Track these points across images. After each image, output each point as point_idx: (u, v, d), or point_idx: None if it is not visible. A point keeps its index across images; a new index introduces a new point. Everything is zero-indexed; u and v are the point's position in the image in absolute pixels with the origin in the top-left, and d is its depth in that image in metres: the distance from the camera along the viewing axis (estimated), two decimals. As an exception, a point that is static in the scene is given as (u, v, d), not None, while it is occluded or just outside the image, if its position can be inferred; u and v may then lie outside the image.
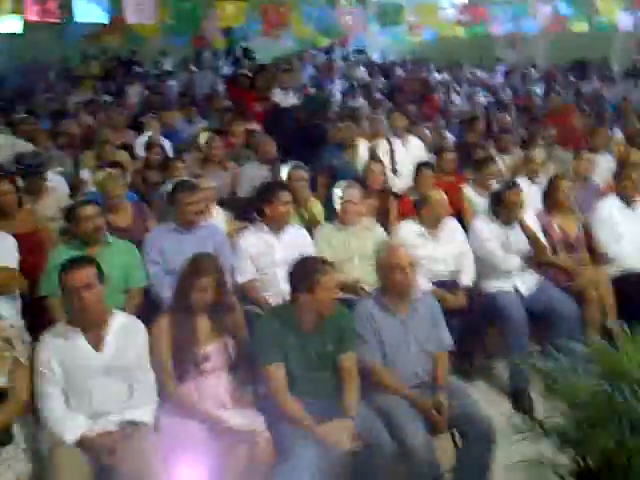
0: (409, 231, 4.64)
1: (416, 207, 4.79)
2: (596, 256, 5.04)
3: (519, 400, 4.24)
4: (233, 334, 3.36)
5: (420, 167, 5.66)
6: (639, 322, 2.48)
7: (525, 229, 4.56)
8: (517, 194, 4.60)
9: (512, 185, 4.76)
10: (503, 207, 4.62)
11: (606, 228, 4.99)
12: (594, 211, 5.12)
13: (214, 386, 3.24)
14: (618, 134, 7.86)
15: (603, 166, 6.32)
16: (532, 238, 4.56)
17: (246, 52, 18.17)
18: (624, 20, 10.59)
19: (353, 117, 7.68)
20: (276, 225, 4.38)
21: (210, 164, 6.16)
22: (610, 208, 5.06)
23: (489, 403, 4.12)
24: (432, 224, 4.66)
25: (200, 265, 3.31)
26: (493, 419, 3.29)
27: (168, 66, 14.81)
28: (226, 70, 15.15)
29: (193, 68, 14.00)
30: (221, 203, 5.30)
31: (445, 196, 4.76)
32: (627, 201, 5.07)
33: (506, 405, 4.28)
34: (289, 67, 10.13)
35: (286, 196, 4.40)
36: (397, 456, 3.07)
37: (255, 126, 7.92)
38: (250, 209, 5.29)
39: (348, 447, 3.02)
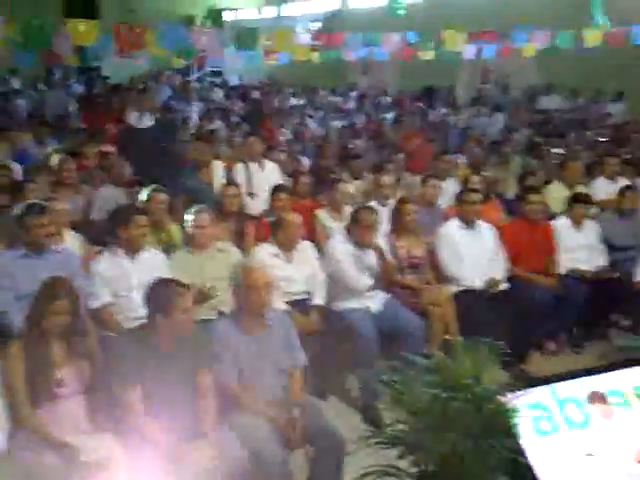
0: (265, 253, 4.70)
1: (272, 229, 4.87)
2: (439, 275, 5.35)
3: (369, 413, 4.39)
4: (88, 358, 3.31)
5: (276, 190, 5.76)
6: (476, 336, 2.67)
7: (377, 250, 4.74)
8: (371, 216, 4.77)
9: (366, 207, 4.97)
10: (358, 228, 4.78)
11: (448, 249, 5.29)
12: (438, 233, 5.41)
13: (69, 411, 3.19)
14: (462, 160, 8.40)
15: (448, 190, 6.72)
16: (383, 259, 4.75)
17: (99, 72, 17.74)
18: (468, 50, 11.29)
19: (209, 139, 7.68)
20: (131, 249, 4.34)
21: (63, 187, 5.97)
22: (452, 230, 5.37)
23: (341, 418, 4.26)
24: (287, 246, 4.75)
25: (54, 288, 3.26)
26: (344, 432, 3.41)
27: (16, 85, 14.17)
28: (78, 90, 14.72)
29: (42, 87, 13.47)
30: (74, 227, 5.14)
31: (300, 218, 4.86)
32: (468, 223, 5.39)
33: (357, 419, 4.42)
34: (144, 87, 10.00)
35: (142, 220, 4.38)
36: (254, 471, 3.13)
37: (110, 148, 7.74)
38: (104, 233, 5.19)
39: (206, 466, 3.03)
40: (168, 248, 4.90)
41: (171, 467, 3.00)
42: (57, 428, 3.11)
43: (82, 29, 7.83)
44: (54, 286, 3.28)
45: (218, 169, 6.55)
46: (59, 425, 3.12)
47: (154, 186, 5.33)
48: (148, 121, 9.06)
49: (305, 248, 4.86)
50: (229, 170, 6.71)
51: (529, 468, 2.40)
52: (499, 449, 2.29)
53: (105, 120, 9.17)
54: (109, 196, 5.99)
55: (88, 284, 4.23)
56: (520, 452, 2.39)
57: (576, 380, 2.71)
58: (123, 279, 4.25)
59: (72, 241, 4.83)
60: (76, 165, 6.32)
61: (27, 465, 3.02)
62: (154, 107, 9.38)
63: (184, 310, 3.21)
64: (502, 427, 2.36)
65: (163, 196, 5.19)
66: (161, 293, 3.25)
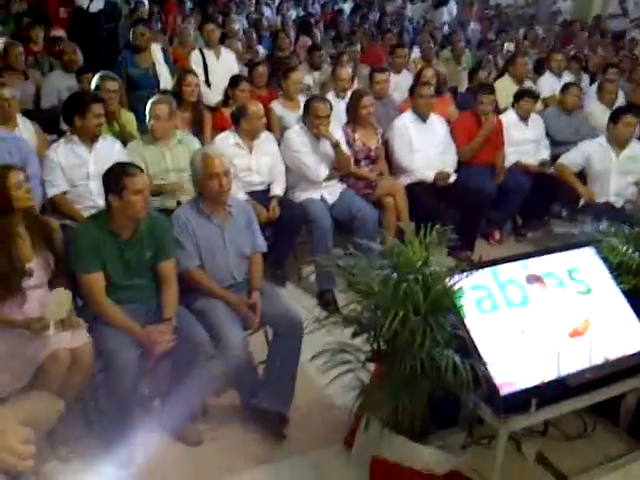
0: (226, 142, 4.71)
1: (234, 119, 4.82)
2: (393, 167, 5.50)
3: (325, 298, 4.61)
4: (52, 248, 3.25)
5: (234, 80, 5.69)
6: (425, 223, 2.83)
7: (331, 141, 4.82)
8: (323, 106, 4.80)
9: (319, 97, 5.00)
10: (311, 118, 4.82)
11: (401, 142, 5.41)
12: (392, 126, 5.51)
13: (37, 302, 3.14)
14: (416, 53, 8.39)
15: (402, 83, 6.76)
16: (337, 150, 4.83)
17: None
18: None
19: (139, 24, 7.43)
20: (88, 138, 4.28)
21: (11, 72, 5.77)
22: (405, 123, 5.46)
23: (298, 302, 4.48)
24: (250, 136, 4.74)
25: (6, 170, 3.12)
26: (301, 316, 3.55)
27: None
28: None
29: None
30: (25, 114, 5.00)
31: (262, 109, 4.82)
32: (421, 117, 5.49)
33: (313, 303, 4.63)
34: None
35: (98, 108, 4.29)
36: (215, 352, 3.24)
37: (61, 32, 7.46)
38: (55, 121, 5.10)
39: (168, 348, 3.14)
40: (123, 137, 4.84)
41: (135, 349, 3.08)
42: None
43: None
44: (5, 168, 3.16)
45: (159, 55, 6.38)
46: (26, 316, 3.08)
47: (103, 72, 5.17)
48: (99, 4, 8.70)
49: (266, 139, 4.87)
50: (179, 57, 6.56)
51: (472, 343, 2.64)
52: (445, 325, 2.51)
53: (53, 3, 8.70)
54: (60, 83, 5.83)
55: (44, 172, 4.19)
56: (464, 328, 2.62)
57: (515, 263, 2.94)
58: (80, 168, 4.22)
59: (25, 129, 4.70)
60: (23, 50, 6.09)
61: None
62: None
63: (135, 191, 3.16)
64: (448, 306, 2.59)
65: (113, 83, 5.06)
66: (114, 175, 3.23)
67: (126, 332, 3.15)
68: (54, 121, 5.16)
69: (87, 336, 3.11)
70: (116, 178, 3.20)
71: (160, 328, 3.19)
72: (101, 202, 3.47)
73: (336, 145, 4.81)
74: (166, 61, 6.32)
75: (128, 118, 5.21)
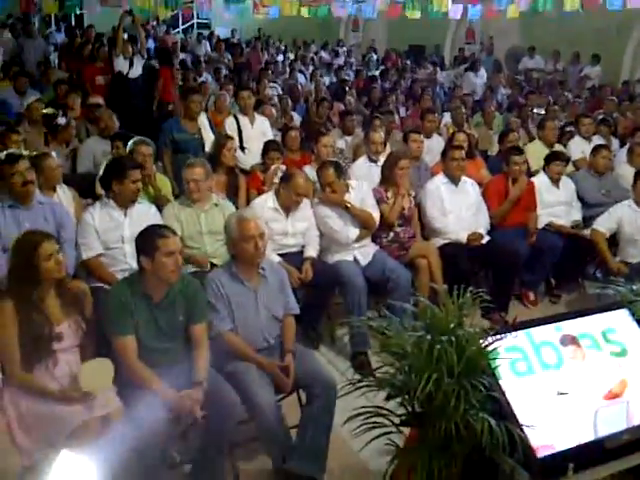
0: (264, 205, 4.80)
1: (280, 184, 4.90)
2: (426, 229, 5.54)
3: (358, 360, 4.57)
4: (82, 312, 3.30)
5: (266, 147, 5.85)
6: (459, 284, 2.84)
7: (350, 211, 4.89)
8: (327, 171, 4.88)
9: (326, 162, 5.10)
10: (321, 186, 4.94)
11: (434, 204, 5.47)
12: (424, 189, 5.58)
13: (67, 365, 3.17)
14: (447, 118, 8.52)
15: (434, 147, 6.86)
16: (350, 211, 4.90)
17: (81, 20, 17.31)
18: (454, 10, 11.36)
19: (199, 92, 7.73)
20: (125, 202, 4.32)
21: (56, 141, 6.01)
22: (438, 186, 5.53)
23: (332, 365, 4.47)
24: (288, 204, 4.81)
25: (37, 240, 3.19)
26: (335, 378, 3.55)
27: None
28: (58, 38, 14.42)
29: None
30: (63, 179, 5.07)
31: (306, 178, 4.93)
32: (453, 179, 5.57)
33: (347, 365, 4.59)
34: (134, 35, 9.86)
35: (136, 174, 4.34)
36: (246, 416, 3.26)
37: (98, 99, 7.74)
38: (90, 186, 5.17)
39: (198, 414, 3.10)
40: (158, 201, 4.92)
41: (168, 415, 3.07)
42: (55, 384, 3.11)
43: (65, -24, 7.70)
44: (34, 233, 3.26)
45: (205, 121, 6.55)
46: (57, 381, 3.12)
47: (137, 138, 5.26)
48: (137, 69, 9.03)
49: (303, 204, 4.91)
50: (216, 123, 6.76)
51: (508, 405, 2.60)
52: (480, 388, 2.49)
53: (91, 70, 9.03)
54: (96, 148, 5.96)
55: (80, 235, 4.23)
56: (499, 390, 2.60)
57: (549, 325, 2.92)
58: (115, 231, 4.23)
59: (63, 194, 4.78)
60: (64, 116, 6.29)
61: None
62: (144, 52, 9.33)
63: (167, 253, 3.20)
64: (482, 368, 2.57)
65: (147, 148, 5.14)
66: (146, 237, 3.28)
67: (158, 395, 3.13)
68: (90, 186, 5.23)
69: (118, 401, 3.12)
70: (148, 240, 3.26)
71: (191, 393, 3.16)
72: (135, 265, 3.48)
73: (346, 207, 4.88)
74: (211, 127, 6.50)
75: (163, 182, 5.30)
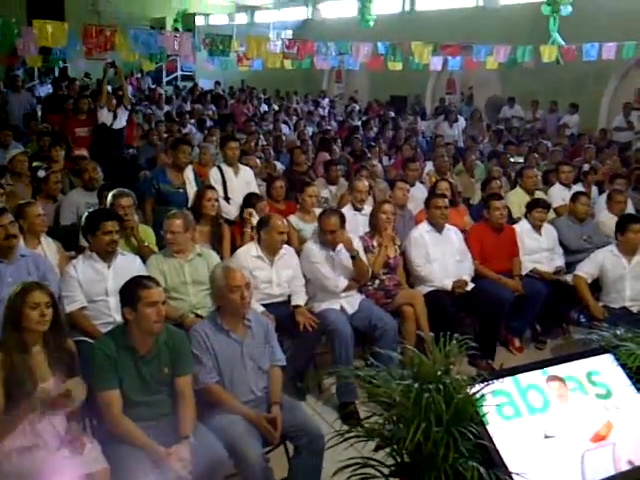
0: (248, 254, 4.81)
1: (258, 231, 4.92)
2: (411, 277, 5.57)
3: (346, 410, 4.54)
4: (68, 367, 3.25)
5: (249, 199, 5.88)
6: (445, 331, 2.85)
7: (350, 252, 4.89)
8: (331, 218, 4.91)
9: (327, 210, 5.16)
10: (322, 231, 4.95)
11: (419, 252, 5.52)
12: (409, 237, 5.63)
13: (50, 424, 3.11)
14: (430, 166, 8.64)
15: (417, 196, 6.95)
16: (355, 261, 4.91)
17: (65, 73, 17.52)
18: (435, 62, 11.64)
19: (189, 143, 7.79)
20: (103, 254, 4.30)
21: (43, 195, 6.02)
22: (422, 234, 5.60)
23: (319, 415, 4.42)
24: (270, 249, 4.83)
25: (28, 288, 3.18)
26: (322, 429, 3.53)
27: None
28: (42, 92, 14.57)
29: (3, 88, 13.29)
30: (47, 232, 5.04)
31: (285, 223, 4.96)
32: (437, 227, 5.63)
33: (334, 416, 4.56)
34: (120, 87, 10.01)
35: (109, 225, 4.29)
36: (235, 470, 3.22)
37: (83, 152, 7.79)
38: (73, 238, 5.16)
39: (187, 471, 3.06)
40: (142, 252, 4.89)
41: (154, 471, 3.02)
42: (40, 440, 3.06)
43: (50, 30, 7.73)
44: (29, 287, 3.21)
45: (190, 174, 6.57)
46: (41, 438, 3.06)
47: (117, 190, 5.24)
48: (121, 121, 9.12)
49: (286, 252, 4.95)
50: (200, 175, 6.78)
51: (496, 452, 2.59)
52: (468, 435, 2.47)
53: (72, 122, 9.08)
54: (79, 200, 5.96)
55: (63, 288, 4.20)
56: (487, 437, 2.58)
57: (536, 370, 2.93)
58: (99, 283, 4.21)
59: (47, 246, 4.77)
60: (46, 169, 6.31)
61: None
62: (127, 103, 9.44)
63: (149, 303, 3.20)
64: (471, 415, 2.56)
65: (128, 199, 5.12)
66: (129, 288, 3.29)
67: (144, 452, 3.09)
68: (73, 238, 5.22)
69: (103, 459, 3.06)
70: (131, 291, 3.27)
71: (179, 450, 3.11)
72: (119, 318, 3.48)
73: (355, 256, 4.89)
74: (195, 180, 6.52)
75: (147, 233, 5.27)
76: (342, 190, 7.06)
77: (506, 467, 2.54)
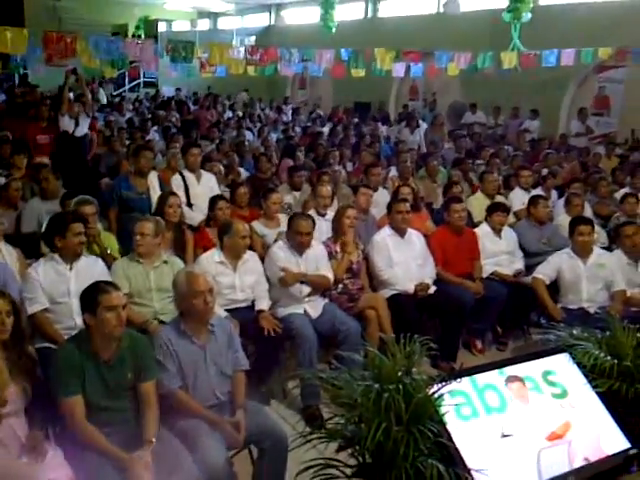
0: (211, 260, 4.81)
1: (219, 236, 4.94)
2: (374, 281, 5.62)
3: (310, 413, 4.56)
4: (30, 377, 3.22)
5: (215, 199, 5.89)
6: (408, 334, 2.90)
7: (308, 281, 4.95)
8: (305, 222, 4.98)
9: (301, 214, 5.19)
10: (294, 235, 4.98)
11: (381, 256, 5.58)
12: (371, 241, 5.69)
13: (12, 431, 3.07)
14: (394, 171, 8.73)
15: (380, 200, 7.02)
16: (315, 283, 4.98)
17: (25, 80, 17.30)
18: (397, 68, 11.76)
19: (150, 149, 7.75)
20: (70, 256, 4.30)
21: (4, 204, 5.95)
22: (384, 238, 5.66)
23: (283, 419, 4.43)
24: (233, 254, 4.84)
25: None
26: (286, 432, 3.54)
27: None
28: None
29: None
30: (7, 239, 4.98)
31: (247, 227, 4.99)
32: (399, 232, 5.69)
33: (298, 418, 4.52)
34: (82, 94, 9.92)
35: (77, 227, 4.32)
36: (199, 474, 3.17)
37: (44, 159, 7.70)
38: (34, 245, 5.11)
39: (150, 476, 3.05)
40: (105, 258, 4.84)
41: (118, 477, 3.01)
42: (1, 449, 3.01)
43: (10, 37, 7.61)
44: None
45: (155, 180, 6.56)
46: (2, 446, 3.02)
47: (80, 197, 5.23)
48: (83, 128, 9.04)
49: (249, 258, 4.96)
50: (165, 181, 6.77)
51: (455, 450, 2.64)
52: (428, 434, 2.52)
53: (32, 129, 8.96)
54: (40, 208, 5.89)
55: (25, 290, 4.18)
56: (447, 436, 2.63)
57: (493, 370, 3.00)
58: (61, 285, 4.19)
59: (7, 254, 4.73)
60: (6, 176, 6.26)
61: None
62: (89, 110, 9.37)
63: (109, 307, 3.20)
64: (430, 414, 2.60)
65: (91, 207, 5.12)
66: (89, 293, 3.29)
67: (107, 457, 3.08)
68: (34, 246, 5.18)
69: (66, 466, 3.03)
70: (90, 296, 3.26)
71: (142, 455, 3.10)
72: (81, 322, 3.46)
73: (302, 282, 4.96)
74: (161, 186, 6.50)
75: (109, 240, 5.25)
76: (306, 196, 7.10)
77: (465, 465, 2.59)
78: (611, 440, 2.99)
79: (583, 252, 5.51)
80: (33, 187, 6.79)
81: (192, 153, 6.86)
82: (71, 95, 9.75)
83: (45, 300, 4.16)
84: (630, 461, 2.99)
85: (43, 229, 4.67)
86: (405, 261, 5.59)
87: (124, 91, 19.04)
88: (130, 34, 21.67)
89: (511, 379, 2.98)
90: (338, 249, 5.35)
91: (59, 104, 9.05)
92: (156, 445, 3.18)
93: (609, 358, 3.14)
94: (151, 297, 4.53)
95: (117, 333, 3.26)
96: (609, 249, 5.88)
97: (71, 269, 4.28)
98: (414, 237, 5.78)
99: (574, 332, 3.40)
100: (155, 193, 6.34)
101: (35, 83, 16.08)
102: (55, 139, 8.80)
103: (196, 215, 6.44)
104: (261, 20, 22.86)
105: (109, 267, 4.62)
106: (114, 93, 18.38)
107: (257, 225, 5.93)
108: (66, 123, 8.82)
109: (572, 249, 5.57)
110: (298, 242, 4.97)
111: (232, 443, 3.46)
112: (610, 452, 2.95)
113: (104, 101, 17.24)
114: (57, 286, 4.19)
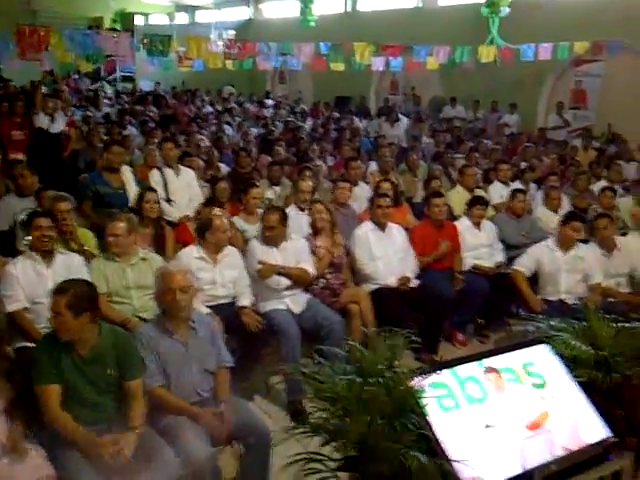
0: (190, 256, 4.79)
1: (199, 232, 4.93)
2: (356, 275, 5.63)
3: (294, 408, 4.58)
4: (8, 377, 3.24)
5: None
6: (390, 327, 2.91)
7: (286, 274, 4.94)
8: (273, 216, 4.96)
9: (270, 208, 5.20)
10: (265, 229, 4.98)
11: (363, 250, 5.60)
12: (352, 235, 5.70)
13: None
14: (374, 166, 8.74)
15: (360, 195, 7.03)
16: (293, 276, 4.96)
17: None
18: (377, 62, 11.76)
19: (124, 144, 7.67)
20: (42, 253, 4.27)
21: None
22: (366, 232, 5.68)
23: (267, 414, 4.43)
24: (214, 249, 4.83)
25: None
26: (270, 427, 3.56)
27: None
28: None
29: None
30: None
31: (227, 223, 4.96)
32: (380, 226, 5.71)
33: (283, 414, 4.60)
34: (59, 90, 9.80)
35: (41, 221, 4.30)
36: (183, 471, 3.18)
37: (19, 156, 7.60)
38: (10, 243, 5.08)
39: (127, 459, 3.06)
40: (83, 255, 4.78)
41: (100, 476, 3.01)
42: None
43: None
44: None
45: (129, 175, 6.51)
46: None
47: (55, 194, 5.17)
48: (59, 124, 8.94)
49: (230, 253, 4.94)
50: (140, 176, 6.72)
51: (437, 441, 2.66)
52: (410, 427, 2.54)
53: (7, 125, 8.80)
54: (15, 205, 5.76)
55: (3, 287, 4.15)
56: (428, 428, 2.65)
57: (473, 362, 3.03)
58: (39, 284, 4.16)
59: None
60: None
61: None
62: (67, 110, 9.26)
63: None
64: (412, 406, 2.63)
65: (67, 204, 5.01)
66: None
67: (83, 446, 3.08)
68: (9, 243, 5.13)
69: (48, 465, 3.03)
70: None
71: (123, 436, 3.12)
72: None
73: (280, 273, 4.94)
74: (137, 181, 6.44)
75: (86, 237, 5.18)
76: (286, 191, 7.08)
77: (447, 455, 2.61)
78: (591, 429, 3.05)
79: (565, 245, 5.59)
80: (8, 184, 6.70)
81: (167, 148, 6.83)
82: (44, 89, 9.62)
83: (24, 299, 4.14)
84: (609, 449, 3.04)
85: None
86: (386, 255, 5.62)
87: (101, 85, 18.78)
88: (106, 27, 21.41)
89: (489, 370, 3.02)
90: (318, 244, 5.34)
91: (32, 102, 8.93)
92: (138, 439, 3.18)
93: (587, 348, 3.19)
94: (130, 295, 4.50)
95: (87, 332, 3.25)
96: (586, 242, 5.95)
97: (48, 267, 4.27)
98: (395, 231, 5.80)
99: (553, 323, 3.45)
100: (131, 188, 6.30)
101: (8, 78, 15.86)
102: (31, 136, 8.68)
103: (175, 211, 6.41)
104: (240, 13, 22.72)
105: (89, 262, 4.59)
106: (91, 88, 18.15)
107: (238, 220, 5.91)
108: (41, 120, 8.71)
109: (556, 241, 5.63)
110: (265, 235, 4.98)
111: (216, 437, 3.45)
112: (590, 441, 3.00)
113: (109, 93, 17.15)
114: (35, 287, 4.17)
